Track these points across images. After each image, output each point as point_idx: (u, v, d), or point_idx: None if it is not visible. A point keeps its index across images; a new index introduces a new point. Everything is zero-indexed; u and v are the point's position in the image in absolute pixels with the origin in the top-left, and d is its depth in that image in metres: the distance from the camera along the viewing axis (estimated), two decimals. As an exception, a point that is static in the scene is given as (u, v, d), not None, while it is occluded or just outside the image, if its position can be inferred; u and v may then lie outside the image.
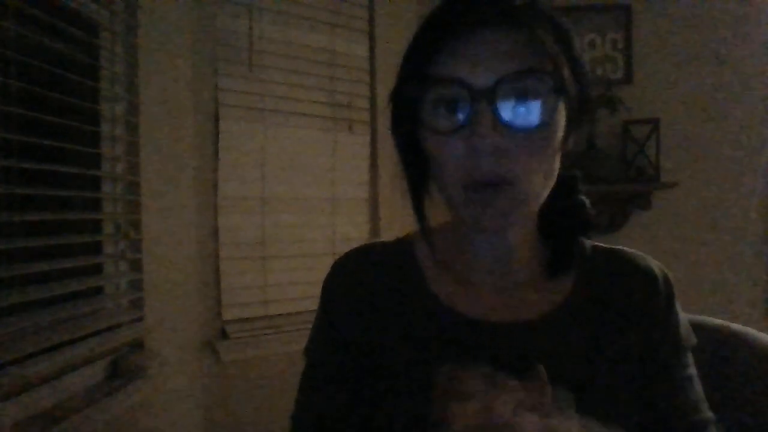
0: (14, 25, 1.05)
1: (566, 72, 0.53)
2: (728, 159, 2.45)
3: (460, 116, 0.53)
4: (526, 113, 0.52)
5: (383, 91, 2.13)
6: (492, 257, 0.63)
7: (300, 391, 0.68)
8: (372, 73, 2.14)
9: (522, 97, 0.52)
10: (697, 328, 0.85)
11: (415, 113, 0.56)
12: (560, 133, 0.56)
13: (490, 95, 0.51)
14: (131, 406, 1.33)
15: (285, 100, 1.91)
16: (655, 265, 0.66)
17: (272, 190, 1.88)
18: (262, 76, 1.85)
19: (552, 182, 0.58)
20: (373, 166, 2.14)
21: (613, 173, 2.37)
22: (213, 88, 1.75)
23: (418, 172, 0.62)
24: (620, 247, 0.68)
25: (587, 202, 0.67)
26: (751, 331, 0.81)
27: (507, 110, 0.52)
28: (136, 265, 1.43)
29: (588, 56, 2.50)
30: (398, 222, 2.13)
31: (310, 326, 0.70)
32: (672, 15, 2.47)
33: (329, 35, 2.03)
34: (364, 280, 0.66)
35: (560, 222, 0.65)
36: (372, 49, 2.14)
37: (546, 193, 0.58)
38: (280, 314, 1.88)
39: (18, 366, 1.03)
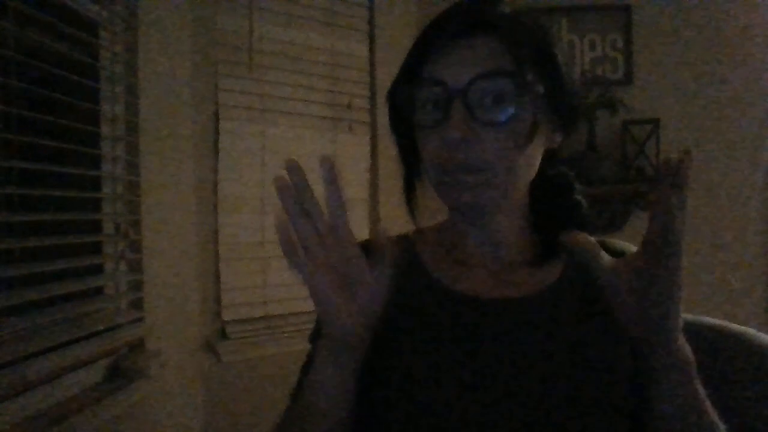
0: (14, 25, 1.05)
1: (532, 74, 0.60)
2: (728, 159, 2.45)
3: (440, 113, 0.61)
4: (495, 109, 0.60)
5: (383, 91, 2.13)
6: (482, 243, 0.70)
7: (302, 372, 0.70)
8: (372, 73, 2.14)
9: (492, 95, 0.59)
10: (697, 328, 0.85)
11: (408, 111, 0.64)
12: (527, 127, 0.62)
13: (463, 94, 0.59)
14: (131, 406, 1.33)
15: (285, 100, 1.91)
16: None
17: (272, 190, 1.87)
18: (262, 76, 1.85)
19: (528, 172, 0.65)
20: (373, 166, 2.14)
21: (613, 173, 2.37)
22: (213, 88, 1.75)
23: (412, 163, 0.71)
24: (608, 238, 0.73)
25: (584, 202, 0.72)
26: (751, 331, 0.81)
27: (478, 107, 0.60)
28: (136, 265, 1.43)
29: (588, 56, 2.50)
30: (398, 222, 2.13)
31: (311, 326, 0.72)
32: (672, 15, 2.47)
33: (329, 35, 2.03)
34: None
35: (556, 221, 0.70)
36: (372, 49, 2.14)
37: (520, 180, 0.64)
38: (279, 314, 1.88)
39: (18, 366, 1.03)
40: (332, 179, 0.53)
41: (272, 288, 1.87)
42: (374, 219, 2.16)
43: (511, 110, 0.59)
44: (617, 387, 0.62)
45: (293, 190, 0.53)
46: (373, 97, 2.14)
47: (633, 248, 0.70)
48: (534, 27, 0.63)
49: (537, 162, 0.65)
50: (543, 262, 0.69)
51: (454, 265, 0.70)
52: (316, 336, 0.71)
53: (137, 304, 1.43)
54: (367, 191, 2.14)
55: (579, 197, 0.72)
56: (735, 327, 0.83)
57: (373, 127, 2.14)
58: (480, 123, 0.59)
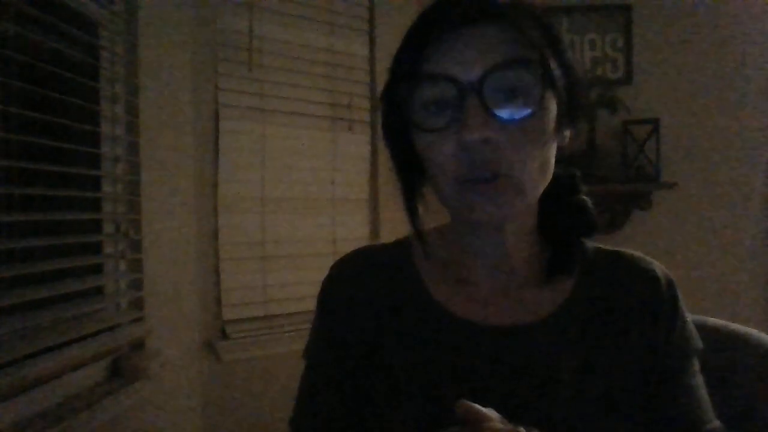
0: (14, 25, 1.05)
1: (552, 63, 0.54)
2: (728, 159, 2.45)
3: (450, 112, 0.53)
4: (515, 104, 0.52)
5: (383, 91, 2.14)
6: (490, 256, 0.62)
7: (299, 394, 0.67)
8: (372, 73, 2.14)
9: (510, 88, 0.52)
10: (697, 328, 0.85)
11: (406, 114, 0.56)
12: (551, 123, 0.55)
13: (478, 89, 0.51)
14: (131, 406, 1.33)
15: (285, 100, 1.91)
16: (658, 268, 0.64)
17: (272, 190, 1.88)
18: (262, 76, 1.85)
19: (548, 174, 0.57)
20: (373, 166, 2.14)
21: (613, 173, 2.37)
22: (213, 88, 1.75)
23: (411, 173, 0.62)
24: (623, 249, 0.66)
25: (589, 202, 0.66)
26: (752, 331, 0.81)
27: (496, 103, 0.51)
28: (136, 265, 1.43)
29: (588, 56, 2.50)
30: (398, 222, 2.12)
31: (310, 326, 0.69)
32: (672, 15, 2.47)
33: (329, 35, 2.03)
34: (362, 283, 0.65)
35: (562, 223, 0.64)
36: (372, 49, 2.14)
37: (542, 185, 0.57)
38: (280, 314, 1.87)
39: (18, 366, 1.03)
40: None
41: (272, 288, 1.87)
42: (374, 219, 2.16)
43: (534, 104, 0.52)
44: (627, 416, 0.58)
45: None
46: (373, 97, 2.14)
47: (648, 260, 0.65)
48: (540, 14, 0.56)
49: (553, 162, 0.58)
50: (553, 277, 0.61)
51: (456, 282, 0.63)
52: (311, 351, 0.67)
53: (137, 304, 1.43)
54: (367, 191, 2.14)
55: (584, 198, 0.65)
56: (735, 327, 0.83)
57: (373, 127, 2.14)
58: (499, 121, 0.51)
